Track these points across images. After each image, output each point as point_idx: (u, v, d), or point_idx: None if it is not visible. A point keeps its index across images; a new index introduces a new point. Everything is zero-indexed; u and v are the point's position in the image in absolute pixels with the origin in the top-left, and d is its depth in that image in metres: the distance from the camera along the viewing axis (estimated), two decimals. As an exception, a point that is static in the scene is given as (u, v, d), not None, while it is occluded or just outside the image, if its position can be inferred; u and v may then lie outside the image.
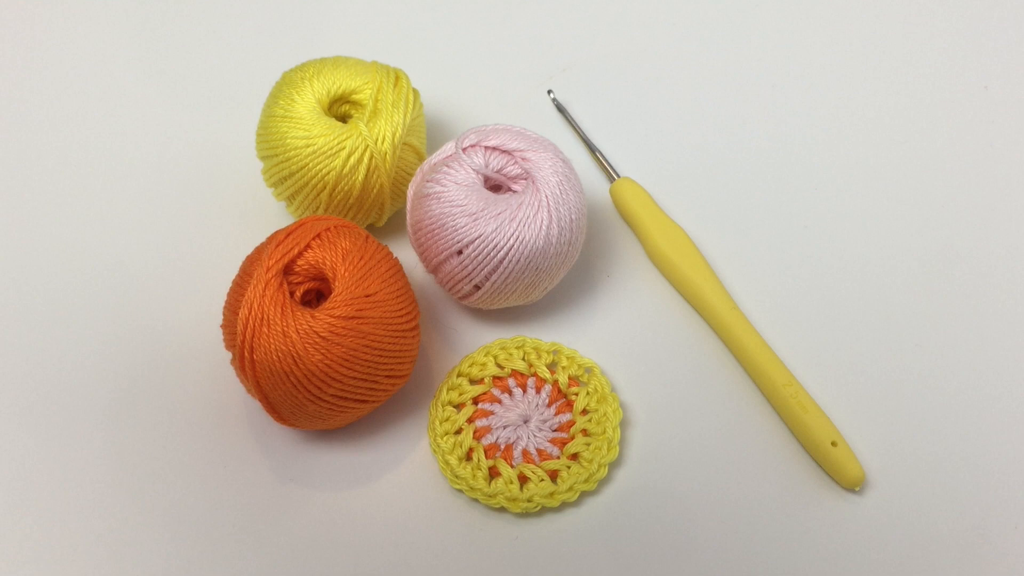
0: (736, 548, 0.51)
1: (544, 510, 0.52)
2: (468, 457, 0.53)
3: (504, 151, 0.56)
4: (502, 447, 0.53)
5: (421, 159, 0.60)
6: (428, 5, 0.75)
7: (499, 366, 0.56)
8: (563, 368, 0.56)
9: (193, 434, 0.55)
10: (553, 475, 0.53)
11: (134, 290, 0.60)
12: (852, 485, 0.52)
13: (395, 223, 0.62)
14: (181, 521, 0.52)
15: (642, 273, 0.61)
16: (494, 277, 0.54)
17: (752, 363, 0.55)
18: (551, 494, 0.52)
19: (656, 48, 0.72)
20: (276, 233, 0.52)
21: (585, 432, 0.54)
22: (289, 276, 0.51)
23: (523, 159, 0.55)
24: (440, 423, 0.54)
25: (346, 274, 0.51)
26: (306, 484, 0.53)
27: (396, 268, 0.53)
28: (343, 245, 0.52)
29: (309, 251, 0.52)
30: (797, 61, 0.71)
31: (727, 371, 0.57)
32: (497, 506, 0.52)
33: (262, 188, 0.63)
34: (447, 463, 0.53)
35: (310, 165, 0.56)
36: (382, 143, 0.57)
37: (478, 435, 0.54)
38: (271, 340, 0.49)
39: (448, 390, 0.55)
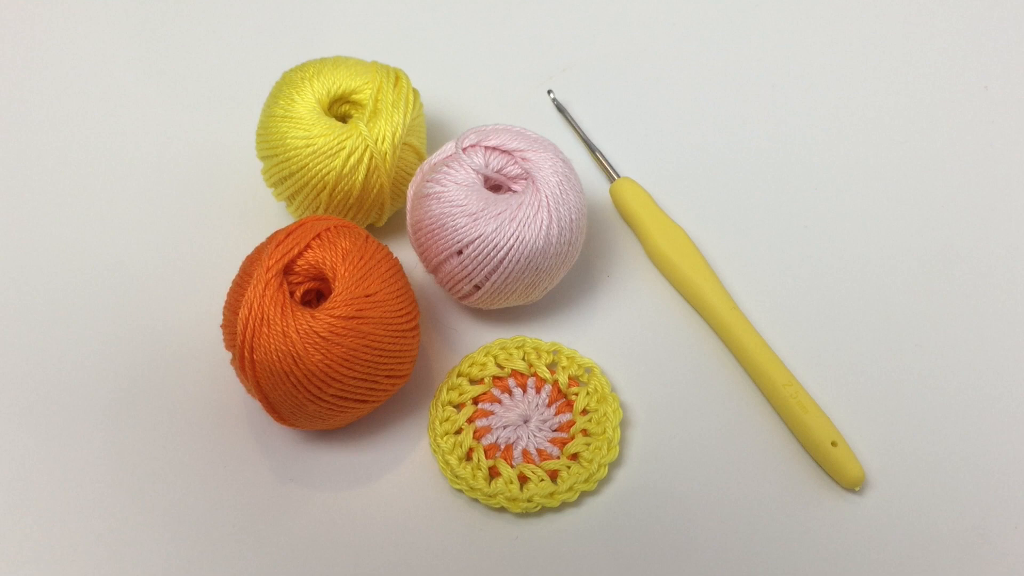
0: (736, 548, 0.51)
1: (544, 510, 0.52)
2: (468, 457, 0.53)
3: (504, 151, 0.56)
4: (502, 447, 0.53)
5: (421, 159, 0.60)
6: (428, 5, 0.75)
7: (499, 366, 0.56)
8: (563, 368, 0.56)
9: (193, 434, 0.55)
10: (553, 475, 0.53)
11: (134, 290, 0.60)
12: (852, 485, 0.52)
13: (395, 223, 0.62)
14: (181, 521, 0.52)
15: (642, 273, 0.61)
16: (494, 277, 0.54)
17: (752, 363, 0.55)
18: (551, 494, 0.52)
19: (656, 48, 0.72)
20: (276, 233, 0.52)
21: (585, 432, 0.54)
22: (289, 276, 0.51)
23: (523, 159, 0.55)
24: (440, 423, 0.54)
25: (346, 274, 0.51)
26: (306, 484, 0.53)
27: (396, 268, 0.53)
28: (343, 245, 0.52)
29: (309, 251, 0.52)
30: (797, 61, 0.71)
31: (727, 371, 0.57)
32: (497, 506, 0.52)
33: (262, 188, 0.63)
34: (447, 463, 0.53)
35: (310, 165, 0.56)
36: (382, 143, 0.57)
37: (478, 435, 0.54)
38: (271, 340, 0.49)
39: (448, 390, 0.55)
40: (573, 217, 0.55)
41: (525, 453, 0.53)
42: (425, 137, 0.61)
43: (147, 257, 0.62)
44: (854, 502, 0.52)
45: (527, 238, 0.53)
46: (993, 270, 0.61)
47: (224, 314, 0.52)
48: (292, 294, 0.52)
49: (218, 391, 0.56)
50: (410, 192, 0.57)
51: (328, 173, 0.56)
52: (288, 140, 0.57)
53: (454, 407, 0.55)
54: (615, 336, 0.58)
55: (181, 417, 0.55)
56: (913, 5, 0.74)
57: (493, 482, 0.52)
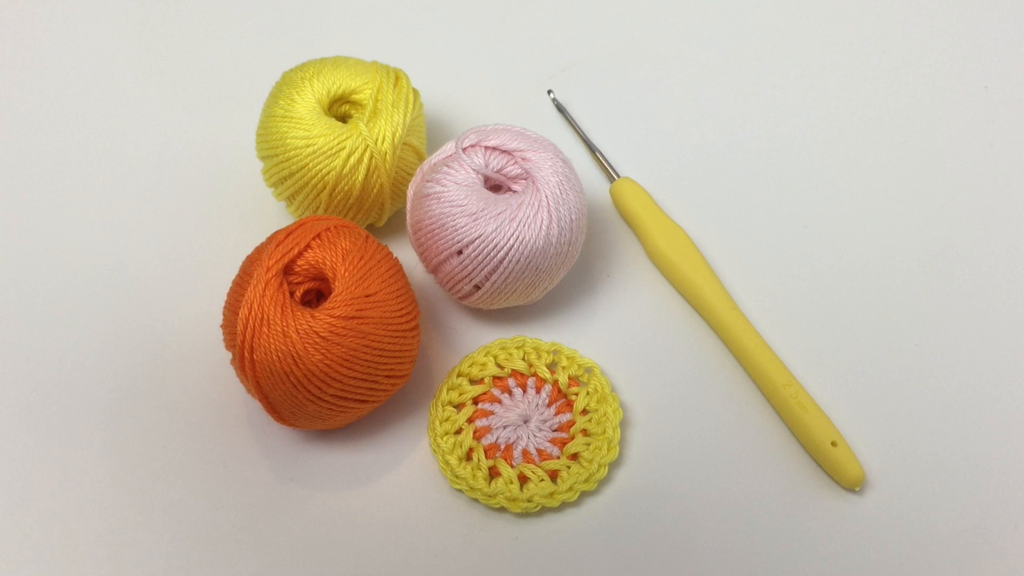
0: (736, 548, 0.51)
1: (544, 510, 0.52)
2: (468, 457, 0.53)
3: (504, 151, 0.56)
4: (502, 447, 0.53)
5: (421, 159, 0.60)
6: (428, 5, 0.75)
7: (499, 366, 0.56)
8: (563, 368, 0.56)
9: (193, 434, 0.55)
10: (553, 475, 0.53)
11: (134, 290, 0.60)
12: (852, 485, 0.52)
13: (395, 223, 0.62)
14: (181, 521, 0.52)
15: (642, 273, 0.61)
16: (494, 277, 0.54)
17: (752, 363, 0.55)
18: (551, 494, 0.52)
19: (656, 48, 0.72)
20: (276, 233, 0.52)
21: (585, 432, 0.54)
22: (289, 276, 0.51)
23: (523, 159, 0.55)
24: (440, 423, 0.54)
25: (346, 274, 0.51)
26: (306, 484, 0.53)
27: (396, 268, 0.53)
28: (343, 245, 0.52)
29: (309, 251, 0.52)
30: (797, 61, 0.71)
31: (727, 371, 0.57)
32: (497, 506, 0.52)
33: (262, 188, 0.63)
34: (447, 463, 0.53)
35: (310, 165, 0.56)
36: (382, 143, 0.57)
37: (478, 435, 0.54)
38: (271, 340, 0.49)
39: (448, 390, 0.55)
40: (573, 217, 0.55)
41: (525, 453, 0.53)
42: (425, 137, 0.61)
43: (147, 257, 0.62)
44: (854, 502, 0.52)
45: (527, 238, 0.53)
46: (993, 270, 0.61)
47: (224, 314, 0.52)
48: (292, 294, 0.52)
49: (218, 391, 0.56)
50: (410, 192, 0.57)
51: (328, 173, 0.56)
52: (288, 140, 0.57)
53: (454, 407, 0.55)
54: (615, 336, 0.58)
55: (181, 417, 0.55)
56: (913, 5, 0.74)
57: (493, 482, 0.52)
